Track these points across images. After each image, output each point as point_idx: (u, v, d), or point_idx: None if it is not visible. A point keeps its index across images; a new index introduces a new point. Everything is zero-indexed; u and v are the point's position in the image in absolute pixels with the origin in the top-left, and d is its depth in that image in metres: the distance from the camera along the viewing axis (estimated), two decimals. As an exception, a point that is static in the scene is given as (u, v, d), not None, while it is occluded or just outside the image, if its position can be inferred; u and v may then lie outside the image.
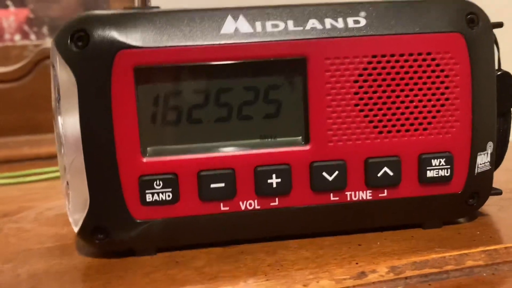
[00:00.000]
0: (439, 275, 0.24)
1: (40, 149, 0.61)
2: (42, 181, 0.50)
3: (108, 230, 0.26)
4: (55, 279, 0.25)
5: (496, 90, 0.29)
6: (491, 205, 0.32)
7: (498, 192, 0.30)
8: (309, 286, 0.23)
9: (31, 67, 0.71)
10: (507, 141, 0.32)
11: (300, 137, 0.27)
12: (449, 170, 0.28)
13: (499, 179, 0.32)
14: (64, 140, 0.26)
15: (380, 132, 0.27)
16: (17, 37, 0.80)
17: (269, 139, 0.27)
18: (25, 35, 0.79)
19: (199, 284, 0.23)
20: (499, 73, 0.30)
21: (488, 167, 0.29)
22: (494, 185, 0.30)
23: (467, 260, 0.25)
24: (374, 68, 0.26)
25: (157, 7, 0.27)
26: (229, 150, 0.26)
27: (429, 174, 0.27)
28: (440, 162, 0.27)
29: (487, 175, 0.29)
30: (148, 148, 0.26)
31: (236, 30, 0.26)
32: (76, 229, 0.26)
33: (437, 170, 0.27)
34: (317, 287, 0.23)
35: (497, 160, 0.31)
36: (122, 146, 0.25)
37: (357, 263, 0.24)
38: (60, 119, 0.26)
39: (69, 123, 0.25)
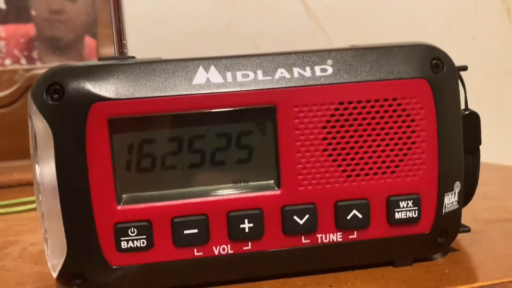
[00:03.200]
0: (405, 317, 0.25)
1: (31, 174, 0.62)
2: (30, 210, 0.50)
3: (86, 276, 0.27)
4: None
5: (464, 129, 0.30)
6: (463, 239, 0.33)
7: (466, 230, 0.31)
8: (278, 332, 0.24)
9: (21, 92, 0.72)
10: (476, 177, 0.32)
11: (272, 181, 0.28)
12: (416, 211, 0.28)
13: (475, 207, 0.33)
14: (41, 188, 0.27)
15: (349, 176, 0.28)
16: (8, 61, 0.81)
17: (242, 184, 0.28)
18: (15, 60, 0.80)
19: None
20: (466, 112, 0.31)
21: (456, 206, 0.30)
22: (471, 214, 0.31)
23: (433, 301, 0.26)
24: (342, 115, 0.27)
25: (133, 57, 0.28)
26: (202, 196, 0.27)
27: (398, 215, 0.28)
28: (407, 204, 0.28)
29: (455, 214, 0.30)
30: (123, 196, 0.27)
31: (207, 80, 0.27)
32: (54, 275, 0.27)
33: (405, 212, 0.28)
34: (286, 332, 0.24)
35: (467, 196, 0.32)
36: (98, 194, 0.26)
37: (326, 307, 0.25)
38: (37, 168, 0.27)
39: (45, 171, 0.26)
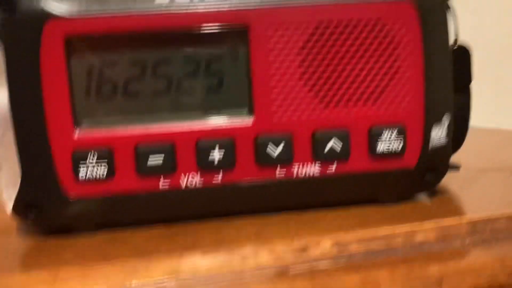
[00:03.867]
0: (386, 252, 0.23)
1: None
2: None
3: (41, 207, 0.25)
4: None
5: (454, 64, 0.28)
6: (453, 184, 0.31)
7: (456, 168, 0.29)
8: (246, 261, 0.22)
9: None
10: (467, 119, 0.30)
11: (245, 110, 0.26)
12: (401, 143, 0.26)
13: (468, 160, 0.31)
14: (-6, 113, 0.25)
15: (328, 104, 0.26)
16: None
17: (212, 112, 0.26)
18: None
19: (130, 258, 0.22)
20: (456, 46, 0.29)
21: (445, 141, 0.28)
22: (463, 165, 0.29)
23: (417, 235, 0.24)
24: (319, 38, 0.25)
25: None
26: (168, 123, 0.25)
27: (380, 147, 0.26)
28: (391, 134, 0.26)
29: (444, 150, 0.28)
30: (82, 121, 0.25)
31: (173, -3, 0.25)
32: (9, 206, 0.25)
33: (389, 143, 0.26)
34: (255, 262, 0.22)
35: (458, 139, 0.30)
36: (54, 119, 0.24)
37: (300, 239, 0.23)
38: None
39: (-2, 95, 0.24)
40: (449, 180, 0.31)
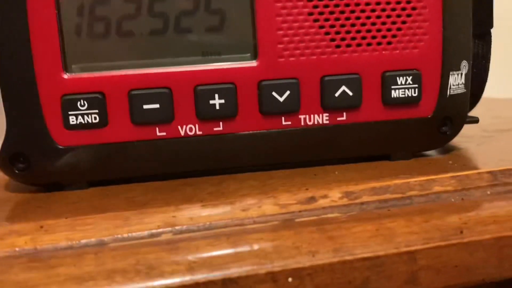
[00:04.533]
0: (401, 201, 0.21)
1: None
2: None
3: (29, 157, 0.23)
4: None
5: (474, 8, 0.26)
6: (469, 141, 0.29)
7: (475, 120, 0.27)
8: (248, 211, 0.20)
9: None
10: (487, 67, 0.28)
11: (248, 54, 0.24)
12: (416, 89, 0.24)
13: (484, 121, 0.29)
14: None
15: (338, 46, 0.24)
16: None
17: (212, 56, 0.24)
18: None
19: (124, 211, 0.20)
20: (477, -12, 0.27)
21: (463, 90, 0.26)
22: (479, 126, 0.27)
23: (434, 185, 0.22)
24: (329, -29, 0.23)
25: None
26: (165, 67, 0.23)
27: (394, 94, 0.24)
28: (406, 80, 0.24)
29: (462, 99, 0.26)
30: (72, 65, 0.23)
31: None
32: (-5, 158, 0.24)
33: (403, 90, 0.24)
34: (258, 212, 0.20)
35: (476, 91, 0.28)
36: (41, 61, 0.22)
37: (307, 189, 0.21)
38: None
39: (-18, 36, 0.22)
40: (466, 139, 0.29)
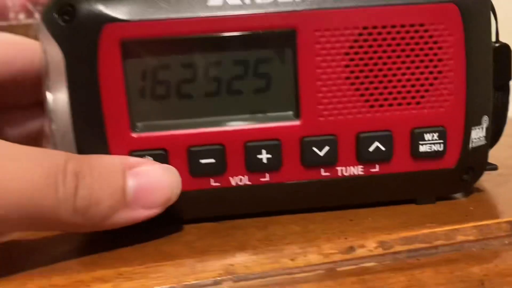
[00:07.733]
0: (428, 250, 0.24)
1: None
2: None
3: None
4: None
5: (494, 62, 0.28)
6: (488, 181, 0.32)
7: (494, 168, 0.30)
8: (296, 260, 0.23)
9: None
10: (505, 116, 0.31)
11: (291, 112, 0.27)
12: (442, 145, 0.27)
13: (499, 155, 0.31)
14: (53, 116, 0.26)
15: (372, 106, 0.27)
16: (21, 16, 0.80)
17: (259, 114, 0.27)
18: (29, 14, 0.79)
19: (188, 258, 0.23)
20: (497, 45, 0.29)
21: (483, 142, 0.28)
22: (492, 162, 0.30)
23: (457, 235, 0.25)
24: (365, 40, 0.26)
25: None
26: (218, 126, 0.26)
27: (422, 149, 0.27)
28: (433, 136, 0.27)
29: (482, 150, 0.28)
30: (137, 123, 0.26)
31: (224, 1, 0.25)
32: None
33: (430, 145, 0.27)
34: (304, 261, 0.23)
35: (495, 135, 0.31)
36: (112, 121, 0.25)
37: (346, 238, 0.24)
38: (49, 96, 0.26)
39: (58, 99, 0.25)
40: (484, 178, 0.32)
